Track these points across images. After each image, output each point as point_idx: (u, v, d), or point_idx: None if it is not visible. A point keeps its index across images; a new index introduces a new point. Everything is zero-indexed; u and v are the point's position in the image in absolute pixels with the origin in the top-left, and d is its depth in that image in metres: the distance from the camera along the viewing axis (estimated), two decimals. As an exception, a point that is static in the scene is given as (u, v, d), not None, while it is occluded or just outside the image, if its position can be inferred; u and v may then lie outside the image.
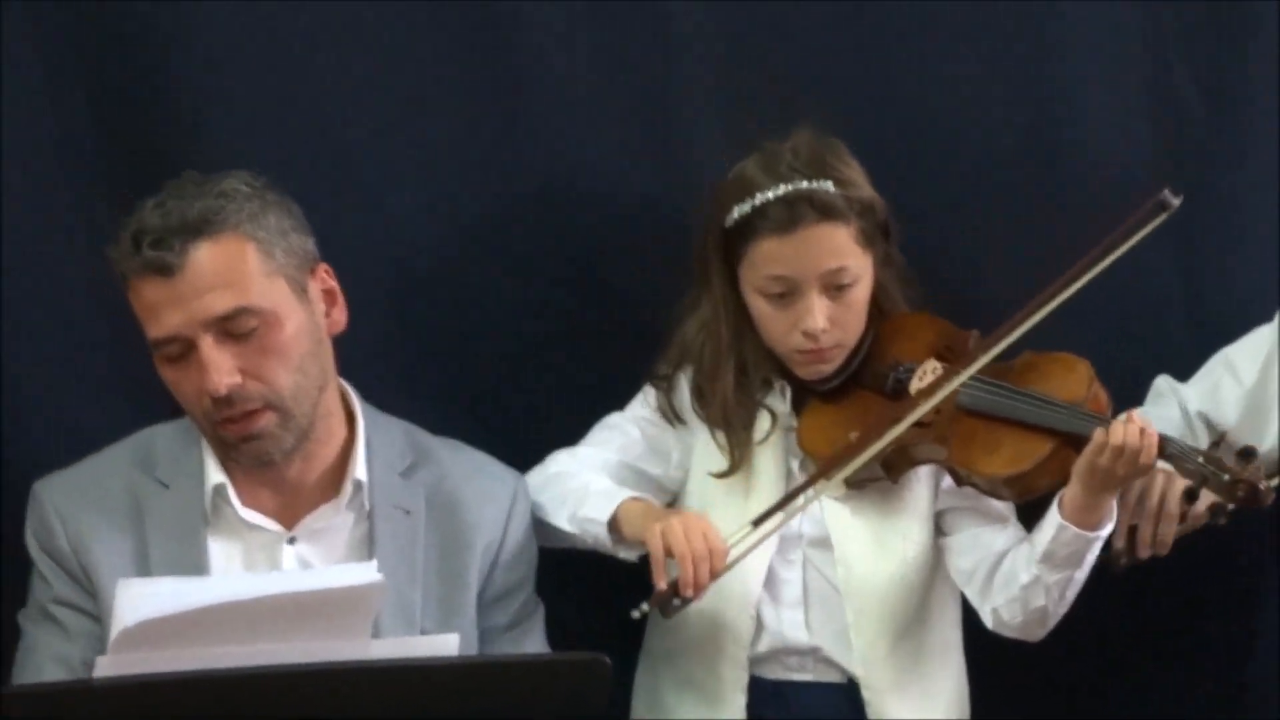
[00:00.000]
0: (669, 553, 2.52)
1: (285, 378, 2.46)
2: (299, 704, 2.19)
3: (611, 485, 2.69)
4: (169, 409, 2.66)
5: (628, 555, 2.66)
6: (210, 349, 2.40)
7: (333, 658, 2.21)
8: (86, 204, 2.92)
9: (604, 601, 2.71)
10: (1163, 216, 2.60)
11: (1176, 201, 2.59)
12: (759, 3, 3.07)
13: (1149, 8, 3.11)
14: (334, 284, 2.55)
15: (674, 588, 2.53)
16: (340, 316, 2.55)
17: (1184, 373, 2.93)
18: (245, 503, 2.52)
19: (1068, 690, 3.07)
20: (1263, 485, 2.56)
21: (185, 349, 2.41)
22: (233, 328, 2.42)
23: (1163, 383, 2.91)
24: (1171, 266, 3.05)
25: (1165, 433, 2.56)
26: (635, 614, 2.58)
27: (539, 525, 2.70)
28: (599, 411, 2.82)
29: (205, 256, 2.42)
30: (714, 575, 2.55)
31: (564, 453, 2.73)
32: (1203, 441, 2.74)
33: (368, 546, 2.55)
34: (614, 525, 2.61)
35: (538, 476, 2.71)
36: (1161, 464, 2.58)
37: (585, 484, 2.70)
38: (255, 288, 2.45)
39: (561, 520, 2.66)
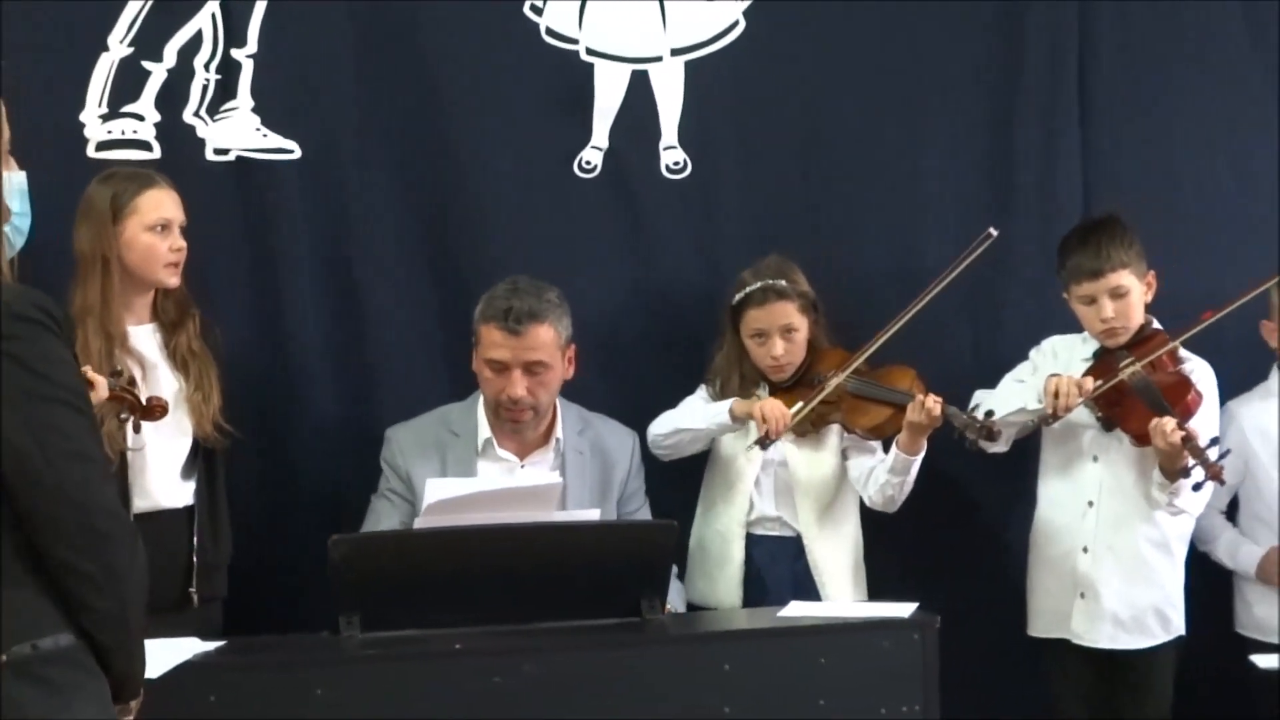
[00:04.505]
0: (764, 418, 3.84)
1: (544, 398, 3.80)
2: (516, 544, 3.38)
3: (706, 401, 4.02)
4: (459, 396, 3.97)
5: (731, 429, 3.95)
6: (519, 376, 3.74)
7: (533, 519, 3.48)
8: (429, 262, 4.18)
9: (674, 511, 3.79)
10: (988, 243, 3.87)
11: (995, 232, 3.87)
12: (775, 199, 4.34)
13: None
14: (572, 356, 3.85)
15: (765, 435, 3.83)
16: (570, 372, 3.86)
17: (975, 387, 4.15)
18: (500, 445, 3.85)
19: (899, 531, 4.11)
20: (996, 430, 3.86)
21: (503, 369, 3.75)
22: (532, 369, 3.77)
23: (981, 393, 4.11)
24: (969, 334, 4.34)
25: (948, 406, 3.86)
26: (747, 446, 3.92)
27: (671, 436, 3.99)
28: (685, 394, 4.10)
29: (537, 331, 3.74)
30: (783, 430, 3.86)
31: (668, 411, 4.05)
32: (979, 412, 3.92)
33: (561, 469, 3.85)
34: (730, 413, 3.92)
35: (663, 421, 4.02)
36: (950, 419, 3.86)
37: (695, 408, 4.02)
38: (549, 353, 3.77)
39: (694, 422, 3.97)
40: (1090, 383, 3.90)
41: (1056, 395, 3.89)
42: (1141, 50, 4.48)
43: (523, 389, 3.79)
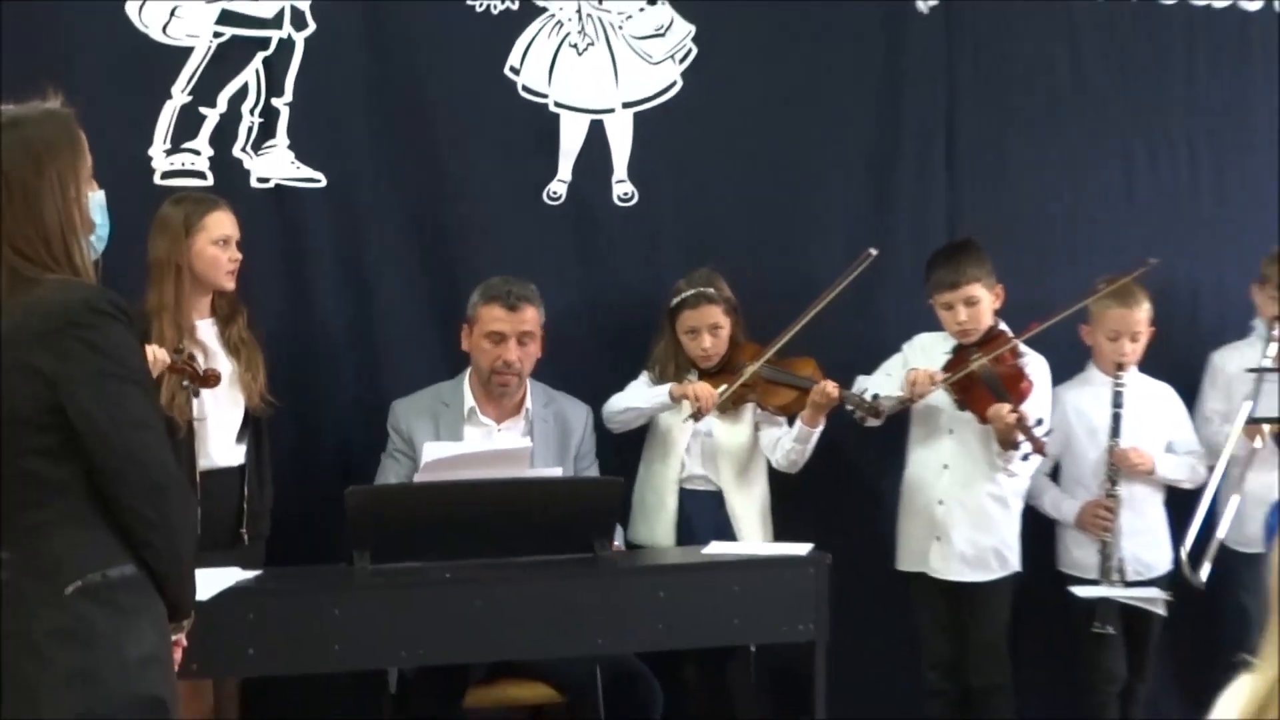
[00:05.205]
0: (696, 397, 3.84)
1: (527, 366, 3.81)
2: (496, 494, 3.43)
3: (649, 385, 3.98)
4: (449, 375, 3.94)
5: (669, 408, 3.90)
6: (513, 345, 3.75)
7: (508, 475, 3.54)
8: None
9: (619, 470, 3.86)
10: (868, 261, 3.84)
11: (875, 252, 3.86)
12: (705, 223, 4.29)
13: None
14: (543, 338, 3.82)
15: (698, 411, 3.83)
16: (540, 351, 3.85)
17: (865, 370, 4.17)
18: (482, 413, 3.84)
19: (799, 488, 4.07)
20: (881, 408, 3.89)
21: (500, 340, 3.74)
22: (523, 339, 3.77)
23: (861, 378, 4.12)
24: (856, 330, 4.25)
25: (844, 389, 3.90)
26: (683, 419, 3.88)
27: (622, 413, 3.95)
28: (629, 378, 4.06)
29: (528, 309, 3.78)
30: (712, 406, 3.85)
31: (618, 394, 4.01)
32: (868, 395, 3.95)
33: (530, 434, 3.83)
34: (669, 394, 3.88)
35: (615, 401, 3.98)
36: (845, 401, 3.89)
37: (639, 391, 3.99)
38: (534, 327, 3.80)
39: (639, 402, 3.94)
40: (940, 375, 3.92)
41: (914, 384, 3.91)
42: (995, 110, 4.49)
43: (516, 355, 3.78)
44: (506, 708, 3.81)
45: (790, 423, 4.02)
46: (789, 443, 3.99)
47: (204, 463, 3.61)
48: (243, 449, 3.72)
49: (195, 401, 3.53)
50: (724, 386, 3.90)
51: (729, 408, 4.01)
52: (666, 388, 3.96)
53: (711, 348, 3.99)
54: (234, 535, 3.67)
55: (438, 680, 3.62)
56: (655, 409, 4.00)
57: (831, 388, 3.88)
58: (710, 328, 3.99)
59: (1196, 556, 3.67)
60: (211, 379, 3.41)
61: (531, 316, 3.81)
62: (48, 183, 2.33)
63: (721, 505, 4.04)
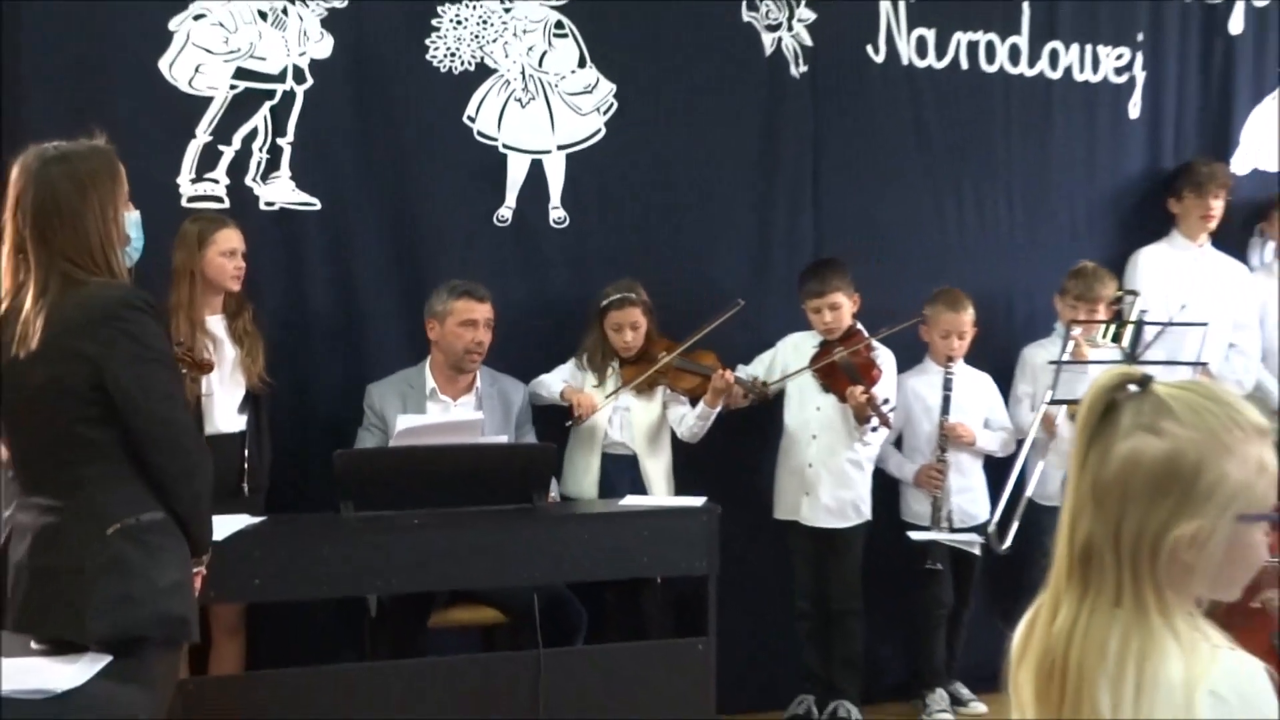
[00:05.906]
0: (578, 404, 3.88)
1: (486, 346, 3.78)
2: (453, 457, 3.47)
3: (560, 382, 3.96)
4: (415, 362, 3.90)
5: (563, 404, 3.90)
6: (483, 329, 3.76)
7: (464, 441, 3.57)
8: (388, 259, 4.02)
9: (554, 437, 3.88)
10: (736, 309, 3.91)
11: (742, 302, 3.94)
12: (624, 241, 4.20)
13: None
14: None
15: (580, 417, 3.86)
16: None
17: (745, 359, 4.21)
18: (441, 392, 3.81)
19: (698, 454, 4.06)
20: (768, 391, 3.93)
21: (473, 325, 3.73)
22: (486, 324, 3.78)
23: (741, 367, 4.09)
24: (746, 329, 4.13)
25: (737, 375, 3.94)
26: (568, 424, 3.90)
27: (537, 393, 3.94)
28: (557, 363, 4.04)
29: (487, 302, 3.77)
30: (590, 414, 3.88)
31: (545, 375, 3.99)
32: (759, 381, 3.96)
33: (480, 408, 3.80)
34: (561, 395, 3.93)
35: (538, 380, 3.95)
36: (737, 385, 3.89)
37: (551, 381, 3.96)
38: (492, 316, 3.79)
39: (544, 392, 3.94)
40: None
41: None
42: (852, 159, 4.43)
43: (485, 336, 3.78)
44: (462, 627, 3.81)
45: (693, 403, 4.03)
46: (692, 419, 3.99)
47: (209, 429, 3.58)
48: (244, 419, 3.68)
49: (204, 380, 3.51)
50: (605, 396, 3.91)
51: (645, 389, 4.01)
52: (562, 389, 3.96)
53: (632, 341, 3.98)
54: (235, 488, 3.63)
55: (408, 606, 3.61)
56: (552, 401, 3.99)
57: (729, 375, 3.89)
58: (631, 325, 3.97)
59: (1003, 530, 3.73)
60: (206, 366, 3.31)
61: (490, 307, 3.81)
62: (90, 206, 2.35)
63: (635, 467, 4.03)
